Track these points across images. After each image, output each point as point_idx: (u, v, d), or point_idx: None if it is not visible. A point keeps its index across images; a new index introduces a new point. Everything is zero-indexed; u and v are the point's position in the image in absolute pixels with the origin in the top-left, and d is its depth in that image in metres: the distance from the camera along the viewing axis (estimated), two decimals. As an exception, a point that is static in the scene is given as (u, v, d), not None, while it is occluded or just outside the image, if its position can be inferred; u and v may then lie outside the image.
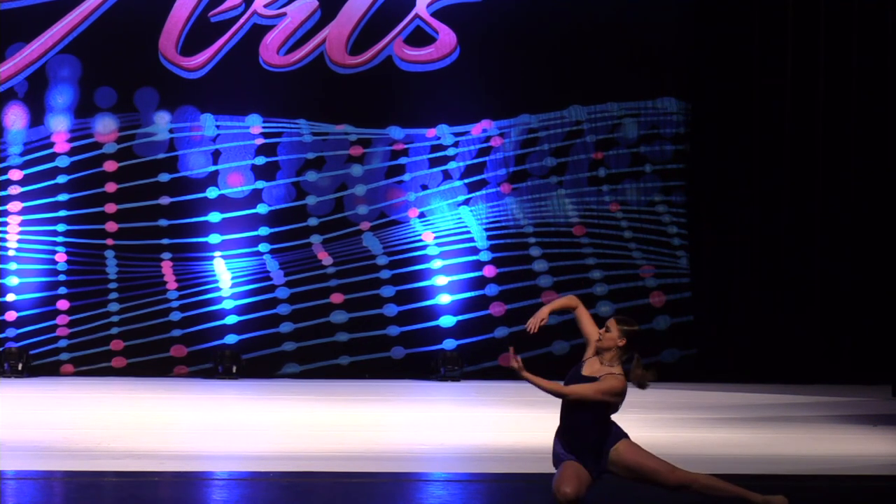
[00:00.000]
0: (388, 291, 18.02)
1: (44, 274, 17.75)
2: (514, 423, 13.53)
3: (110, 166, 17.88)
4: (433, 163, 18.17)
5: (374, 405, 15.13)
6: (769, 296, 17.92)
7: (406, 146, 18.15)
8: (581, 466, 8.38)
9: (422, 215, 18.14)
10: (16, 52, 17.72)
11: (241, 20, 17.93)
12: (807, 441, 12.41)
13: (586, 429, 8.39)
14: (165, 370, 17.69)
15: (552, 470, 8.59)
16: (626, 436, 8.48)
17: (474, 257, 18.12)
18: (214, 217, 17.94)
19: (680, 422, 13.36)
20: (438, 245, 18.09)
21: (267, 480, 9.72)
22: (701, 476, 8.42)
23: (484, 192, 18.18)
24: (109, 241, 17.84)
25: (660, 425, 12.82)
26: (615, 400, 8.40)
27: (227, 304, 17.86)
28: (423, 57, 18.09)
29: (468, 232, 18.14)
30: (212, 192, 17.96)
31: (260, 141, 18.02)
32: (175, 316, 17.79)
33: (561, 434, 8.49)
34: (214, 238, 17.93)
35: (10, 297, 17.66)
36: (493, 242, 18.15)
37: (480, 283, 18.10)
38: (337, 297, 17.97)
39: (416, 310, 18.00)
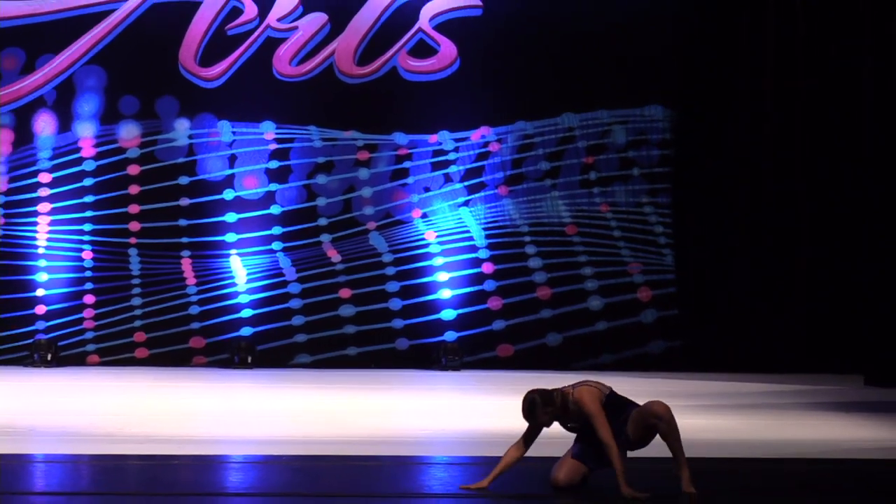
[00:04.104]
0: (392, 287, 18.02)
1: (71, 270, 17.76)
2: (511, 410, 13.51)
3: (133, 170, 17.89)
4: (435, 167, 18.18)
5: (380, 393, 15.13)
6: (750, 291, 17.92)
7: (410, 151, 18.16)
8: (578, 463, 8.38)
9: (424, 216, 18.14)
10: (45, 63, 17.74)
11: (256, 33, 17.94)
12: (784, 426, 12.40)
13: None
14: (185, 360, 17.70)
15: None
16: (632, 410, 8.44)
17: (473, 255, 18.12)
18: (231, 217, 17.95)
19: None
20: (440, 243, 18.09)
21: (279, 463, 9.72)
22: (672, 422, 8.33)
23: (482, 193, 18.19)
24: (133, 240, 17.86)
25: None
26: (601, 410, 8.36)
27: (243, 299, 17.87)
28: (426, 68, 18.09)
29: (468, 231, 18.14)
30: (228, 194, 17.96)
31: (273, 146, 18.03)
32: (194, 310, 17.81)
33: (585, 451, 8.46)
34: (231, 237, 17.94)
35: (40, 292, 17.67)
36: (491, 241, 18.16)
37: (479, 279, 18.10)
38: (345, 292, 17.98)
39: (419, 304, 18.01)
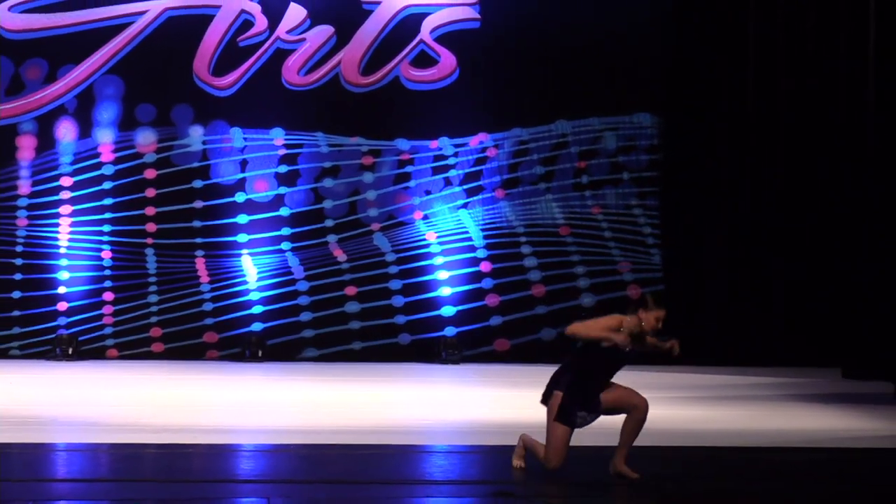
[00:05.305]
0: (395, 285, 18.05)
1: (91, 269, 17.78)
2: (507, 401, 13.55)
3: (150, 174, 17.92)
4: (436, 171, 18.21)
5: (383, 385, 15.14)
6: (734, 288, 17.95)
7: (412, 156, 18.19)
8: (567, 429, 8.29)
9: (425, 217, 18.17)
10: (66, 73, 17.76)
11: (266, 44, 17.97)
12: (765, 417, 12.42)
13: (610, 378, 8.42)
14: (199, 354, 17.72)
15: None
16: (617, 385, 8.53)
17: (472, 255, 18.15)
18: (242, 219, 17.97)
19: (652, 400, 13.36)
20: (440, 244, 18.12)
21: (288, 452, 9.75)
22: (642, 418, 8.40)
23: (480, 196, 18.22)
24: (149, 240, 17.87)
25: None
26: None
27: (254, 296, 17.89)
28: (427, 77, 18.12)
29: (466, 232, 18.17)
30: (240, 197, 17.99)
31: (282, 151, 18.05)
32: (207, 306, 17.83)
33: (588, 387, 8.35)
34: (242, 237, 17.97)
35: (62, 290, 17.70)
36: (488, 241, 18.18)
37: (477, 277, 18.12)
38: (350, 290, 18.00)
39: (420, 301, 18.04)
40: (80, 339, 17.55)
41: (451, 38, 18.15)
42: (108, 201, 17.84)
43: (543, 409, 8.51)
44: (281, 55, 18.02)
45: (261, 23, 17.97)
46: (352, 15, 18.07)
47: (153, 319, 17.77)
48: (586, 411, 8.33)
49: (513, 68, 18.12)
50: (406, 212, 18.17)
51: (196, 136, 17.97)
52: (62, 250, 17.76)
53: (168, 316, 17.78)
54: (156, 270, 17.85)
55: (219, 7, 17.91)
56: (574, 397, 8.30)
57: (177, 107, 17.94)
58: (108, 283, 17.79)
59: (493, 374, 16.48)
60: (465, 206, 18.20)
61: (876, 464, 9.67)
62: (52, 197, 17.79)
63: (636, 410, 8.34)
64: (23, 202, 17.78)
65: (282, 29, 17.98)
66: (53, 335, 17.53)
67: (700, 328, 17.91)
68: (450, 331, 17.99)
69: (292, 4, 18.02)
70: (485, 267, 18.14)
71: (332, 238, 18.10)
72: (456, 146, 18.21)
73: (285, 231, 18.02)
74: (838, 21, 17.25)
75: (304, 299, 17.96)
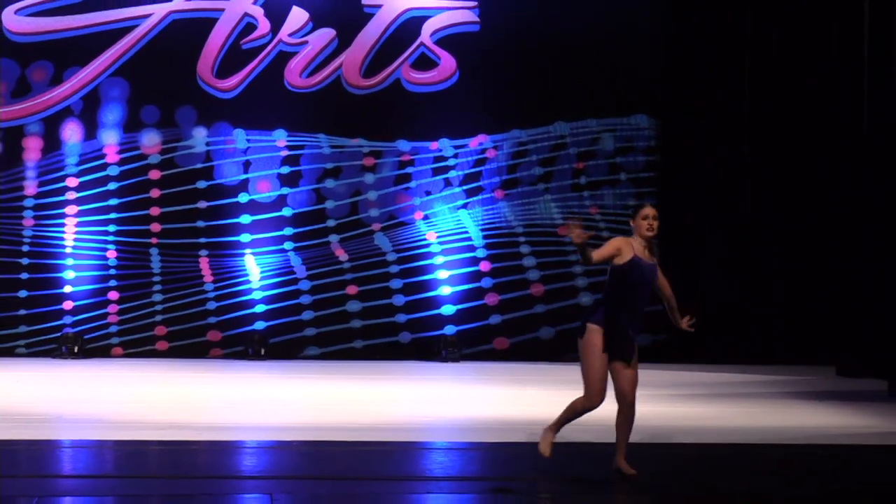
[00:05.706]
0: (396, 284, 18.05)
1: (97, 268, 17.78)
2: (506, 399, 13.56)
3: (154, 175, 17.92)
4: (436, 172, 18.21)
5: (384, 383, 15.15)
6: (731, 288, 17.92)
7: (412, 157, 18.19)
8: (607, 361, 8.33)
9: (426, 217, 18.17)
10: (72, 75, 17.77)
11: (269, 47, 17.97)
12: (761, 414, 12.43)
13: (644, 302, 8.49)
14: (202, 352, 17.71)
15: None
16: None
17: (471, 254, 18.15)
18: (245, 219, 17.97)
19: (649, 398, 13.37)
20: (440, 243, 18.12)
21: (290, 448, 9.76)
22: (630, 413, 8.39)
23: (480, 197, 18.22)
24: (154, 240, 17.87)
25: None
26: None
27: (256, 295, 17.90)
28: (427, 80, 18.13)
29: (466, 232, 18.17)
30: (243, 198, 17.99)
31: (285, 153, 18.05)
32: (211, 305, 17.83)
33: (621, 318, 8.44)
34: (245, 237, 17.97)
35: (68, 289, 17.70)
36: (488, 241, 18.18)
37: (477, 276, 18.12)
38: (352, 289, 18.00)
39: (420, 300, 18.03)
40: (86, 337, 17.54)
41: (451, 40, 18.16)
42: (113, 202, 17.83)
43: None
44: (283, 58, 18.02)
45: (263, 26, 17.97)
46: (353, 18, 18.08)
47: (157, 318, 17.77)
48: (618, 342, 8.34)
49: (512, 71, 18.13)
50: (407, 212, 18.17)
51: (200, 137, 17.97)
52: (68, 250, 17.76)
53: (172, 315, 17.78)
54: (160, 270, 17.85)
55: (222, 10, 17.93)
56: (615, 326, 8.27)
57: (181, 109, 17.93)
58: (112, 283, 17.79)
59: (492, 371, 16.48)
60: (464, 206, 18.20)
61: (869, 461, 9.68)
62: (58, 197, 17.79)
63: (622, 404, 8.38)
64: (29, 202, 17.78)
65: (284, 32, 17.98)
66: (59, 334, 17.52)
67: (697, 326, 17.87)
68: (450, 329, 17.99)
69: (294, 8, 18.03)
70: (484, 266, 18.15)
71: (333, 238, 18.10)
72: (456, 147, 18.21)
73: (287, 231, 18.02)
74: (836, 20, 17.23)
75: (306, 298, 17.96)
